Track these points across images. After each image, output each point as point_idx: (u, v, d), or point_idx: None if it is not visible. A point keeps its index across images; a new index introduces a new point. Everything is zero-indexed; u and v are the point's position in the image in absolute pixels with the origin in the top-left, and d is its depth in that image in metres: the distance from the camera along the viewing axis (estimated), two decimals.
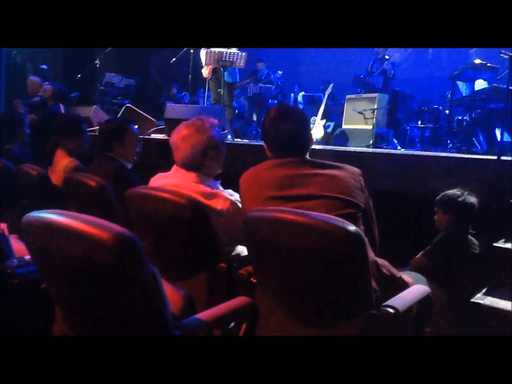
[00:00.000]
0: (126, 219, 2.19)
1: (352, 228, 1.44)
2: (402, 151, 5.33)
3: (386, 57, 6.83)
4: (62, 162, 3.13)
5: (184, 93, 9.46)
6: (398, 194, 3.08)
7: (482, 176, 2.90)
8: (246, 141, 6.04)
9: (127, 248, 1.22)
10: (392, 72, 6.61)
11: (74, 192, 2.54)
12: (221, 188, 2.07)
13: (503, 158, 3.03)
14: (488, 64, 4.91)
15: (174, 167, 2.12)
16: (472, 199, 2.63)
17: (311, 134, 1.90)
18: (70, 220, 1.28)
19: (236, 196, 1.99)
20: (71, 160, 3.13)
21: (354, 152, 3.40)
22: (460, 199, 2.62)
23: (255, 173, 1.82)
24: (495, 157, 3.03)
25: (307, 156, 1.84)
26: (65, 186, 2.63)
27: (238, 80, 5.65)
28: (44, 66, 6.50)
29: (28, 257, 1.65)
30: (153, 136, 5.33)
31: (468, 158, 3.09)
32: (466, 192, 2.63)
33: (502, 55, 3.56)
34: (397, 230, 3.01)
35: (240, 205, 1.93)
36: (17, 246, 1.82)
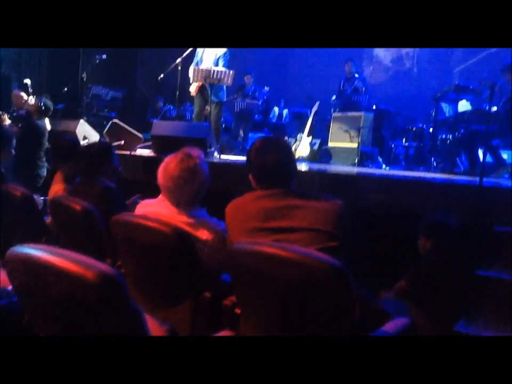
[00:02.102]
0: (112, 244, 2.19)
1: (334, 262, 1.46)
2: (387, 170, 5.39)
3: (356, 75, 7.01)
4: (55, 188, 3.12)
5: (169, 106, 9.47)
6: (381, 217, 3.12)
7: (464, 201, 2.95)
8: (232, 157, 6.06)
9: (111, 288, 1.22)
10: (364, 88, 6.77)
11: (59, 216, 2.52)
12: (206, 217, 2.08)
13: (485, 180, 3.10)
14: (471, 87, 5.01)
15: (161, 196, 2.12)
16: (455, 225, 2.67)
17: (296, 165, 1.92)
18: (54, 257, 1.27)
19: (221, 226, 2.00)
20: (62, 188, 3.10)
21: (338, 174, 3.43)
22: (442, 225, 2.66)
23: (240, 204, 1.84)
24: (477, 179, 3.09)
25: (292, 186, 1.86)
26: (50, 209, 2.61)
27: (225, 99, 5.68)
28: (28, 81, 6.44)
29: (10, 287, 1.64)
30: (139, 152, 5.33)
31: (450, 182, 3.14)
32: (448, 217, 2.67)
33: (483, 83, 3.63)
34: (380, 252, 3.04)
35: (225, 235, 1.94)
36: (1, 275, 1.80)
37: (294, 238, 1.67)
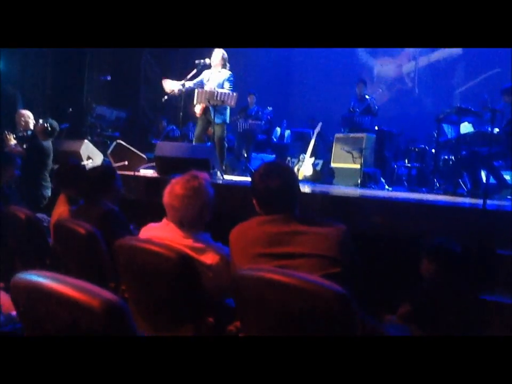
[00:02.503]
0: (115, 267, 2.19)
1: (338, 289, 1.46)
2: (389, 191, 5.40)
3: (367, 96, 7.01)
4: (59, 210, 3.13)
5: (172, 126, 9.55)
6: (384, 240, 3.12)
7: (467, 224, 2.94)
8: (235, 178, 6.09)
9: (115, 316, 1.22)
10: (376, 107, 6.76)
11: (63, 238, 2.53)
12: (210, 242, 2.08)
13: (488, 203, 3.10)
14: (472, 110, 5.05)
15: (165, 220, 2.13)
16: (457, 248, 2.66)
17: (299, 190, 1.93)
18: (59, 284, 1.28)
19: (225, 250, 2.01)
20: (66, 210, 3.12)
21: (340, 197, 3.44)
22: (445, 248, 2.65)
23: (244, 229, 1.84)
24: (480, 201, 3.09)
25: (295, 211, 1.87)
26: (54, 232, 2.63)
27: (228, 120, 5.73)
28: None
29: (14, 313, 1.64)
30: (142, 172, 5.35)
31: (453, 205, 3.15)
32: (451, 241, 2.66)
33: (484, 109, 3.66)
34: (383, 275, 3.03)
35: (229, 259, 1.95)
36: (4, 299, 1.80)
37: (297, 264, 1.67)
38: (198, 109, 5.69)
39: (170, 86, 5.59)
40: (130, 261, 2.00)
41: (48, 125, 5.13)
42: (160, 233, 2.06)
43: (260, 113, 7.93)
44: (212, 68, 5.66)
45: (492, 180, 4.72)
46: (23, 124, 5.98)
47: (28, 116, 6.04)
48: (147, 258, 1.92)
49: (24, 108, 6.84)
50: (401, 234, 3.01)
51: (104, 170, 2.90)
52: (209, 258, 1.97)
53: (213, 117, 5.40)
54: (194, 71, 5.71)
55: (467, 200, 4.27)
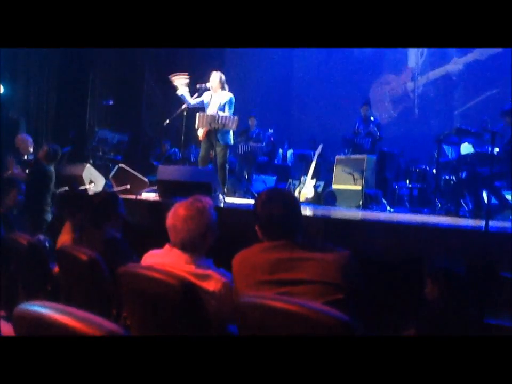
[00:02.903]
0: (117, 294, 2.18)
1: (342, 317, 1.45)
2: (391, 212, 5.39)
3: (371, 118, 7.03)
4: (63, 238, 3.14)
5: (174, 149, 9.62)
6: (386, 263, 3.11)
7: (470, 246, 2.94)
8: (237, 200, 6.11)
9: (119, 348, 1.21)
10: (378, 134, 6.77)
11: (66, 265, 2.53)
12: (213, 268, 2.08)
13: (490, 225, 3.10)
14: (472, 131, 5.08)
15: (167, 246, 2.13)
16: (461, 270, 2.65)
17: (301, 216, 1.94)
18: (61, 315, 1.27)
19: (228, 277, 2.00)
20: (71, 238, 3.13)
21: (342, 219, 3.45)
22: (449, 271, 2.64)
23: (247, 256, 1.85)
24: (482, 222, 3.08)
25: (298, 238, 1.87)
26: (57, 259, 2.63)
27: (231, 142, 5.77)
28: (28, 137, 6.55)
29: None
30: (144, 196, 5.38)
31: (455, 227, 3.14)
32: (455, 263, 2.65)
33: (484, 131, 3.68)
34: (387, 299, 3.01)
35: (232, 286, 1.94)
36: (5, 328, 1.79)
37: (300, 291, 1.67)
38: (200, 132, 5.74)
39: (179, 81, 5.64)
40: (133, 288, 1.99)
41: (50, 149, 5.17)
42: (162, 260, 2.06)
43: (261, 135, 7.99)
44: (211, 91, 5.73)
45: (493, 200, 4.72)
46: (23, 148, 6.03)
47: (28, 140, 6.09)
48: (149, 285, 1.91)
49: (27, 133, 6.90)
50: (405, 257, 3.00)
51: (106, 197, 2.90)
52: (212, 285, 1.97)
53: (215, 140, 5.45)
54: (196, 95, 5.77)
55: (469, 221, 4.26)
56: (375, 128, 6.74)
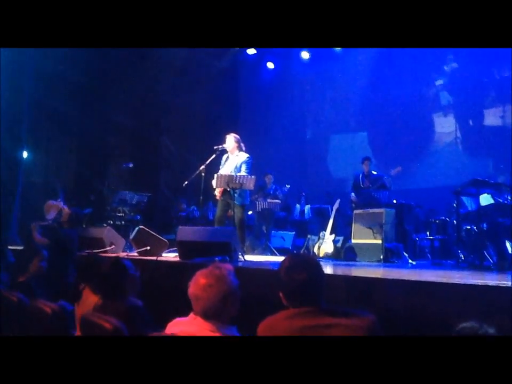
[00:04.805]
0: None
1: None
2: (414, 272, 5.29)
3: (374, 172, 7.19)
4: (92, 299, 3.14)
5: (193, 207, 9.74)
6: (411, 324, 3.02)
7: (500, 305, 2.84)
8: (256, 258, 6.09)
9: None
10: (391, 185, 6.86)
11: (88, 333, 2.52)
12: (237, 336, 2.06)
13: None
14: (489, 182, 5.06)
15: (192, 314, 2.12)
16: (491, 331, 2.57)
17: (325, 282, 1.93)
18: None
19: None
20: (91, 304, 3.14)
21: (365, 278, 3.40)
22: (477, 332, 2.56)
23: (272, 323, 1.84)
24: (508, 274, 2.99)
25: (322, 303, 1.87)
26: (80, 326, 2.62)
27: (248, 201, 5.84)
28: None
29: None
30: (164, 256, 5.39)
31: (482, 286, 3.07)
32: (484, 325, 2.58)
33: (503, 188, 3.67)
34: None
35: None
36: None
37: None
38: (217, 192, 5.83)
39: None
40: None
41: (73, 213, 5.28)
42: (187, 328, 2.05)
43: (278, 191, 8.05)
44: (228, 152, 5.88)
45: None
46: (50, 213, 6.15)
47: (56, 205, 6.23)
48: None
49: (53, 198, 7.07)
50: (430, 318, 2.92)
51: (112, 267, 2.89)
52: None
53: (232, 200, 5.52)
54: (213, 156, 5.91)
55: (495, 274, 4.18)
56: (390, 179, 6.83)
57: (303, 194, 9.49)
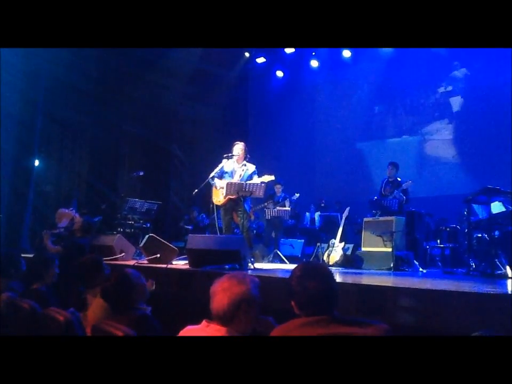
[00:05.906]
0: None
1: None
2: (426, 281, 5.27)
3: (398, 179, 6.98)
4: (94, 311, 3.16)
5: (202, 214, 9.77)
6: (422, 334, 3.00)
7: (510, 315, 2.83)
8: (266, 266, 6.09)
9: None
10: (404, 198, 6.70)
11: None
12: None
13: None
14: (501, 189, 5.03)
15: (204, 322, 2.13)
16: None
17: (337, 290, 1.93)
18: None
19: None
20: (100, 312, 3.15)
21: (375, 286, 3.39)
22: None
23: (284, 332, 1.83)
24: None
25: (335, 312, 1.87)
26: (92, 334, 2.64)
27: (249, 209, 5.91)
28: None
29: None
30: (175, 263, 5.40)
31: (493, 294, 3.05)
32: (496, 334, 2.56)
33: None
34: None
35: None
36: None
37: None
38: (222, 199, 5.86)
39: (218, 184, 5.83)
40: None
41: (85, 222, 5.32)
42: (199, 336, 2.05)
43: (287, 200, 8.07)
44: (234, 161, 5.88)
45: None
46: (62, 222, 6.20)
47: (69, 214, 6.27)
48: None
49: (65, 206, 7.13)
50: (442, 327, 2.91)
51: (119, 279, 2.90)
52: None
53: (241, 207, 5.55)
54: (221, 165, 5.93)
55: (508, 282, 4.14)
56: (401, 193, 6.69)
57: (323, 201, 9.48)
